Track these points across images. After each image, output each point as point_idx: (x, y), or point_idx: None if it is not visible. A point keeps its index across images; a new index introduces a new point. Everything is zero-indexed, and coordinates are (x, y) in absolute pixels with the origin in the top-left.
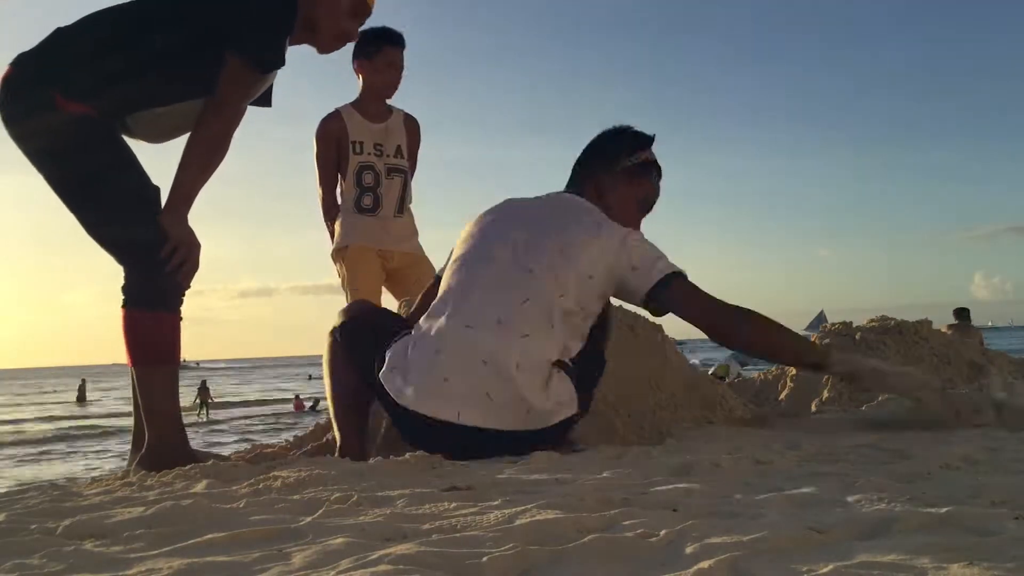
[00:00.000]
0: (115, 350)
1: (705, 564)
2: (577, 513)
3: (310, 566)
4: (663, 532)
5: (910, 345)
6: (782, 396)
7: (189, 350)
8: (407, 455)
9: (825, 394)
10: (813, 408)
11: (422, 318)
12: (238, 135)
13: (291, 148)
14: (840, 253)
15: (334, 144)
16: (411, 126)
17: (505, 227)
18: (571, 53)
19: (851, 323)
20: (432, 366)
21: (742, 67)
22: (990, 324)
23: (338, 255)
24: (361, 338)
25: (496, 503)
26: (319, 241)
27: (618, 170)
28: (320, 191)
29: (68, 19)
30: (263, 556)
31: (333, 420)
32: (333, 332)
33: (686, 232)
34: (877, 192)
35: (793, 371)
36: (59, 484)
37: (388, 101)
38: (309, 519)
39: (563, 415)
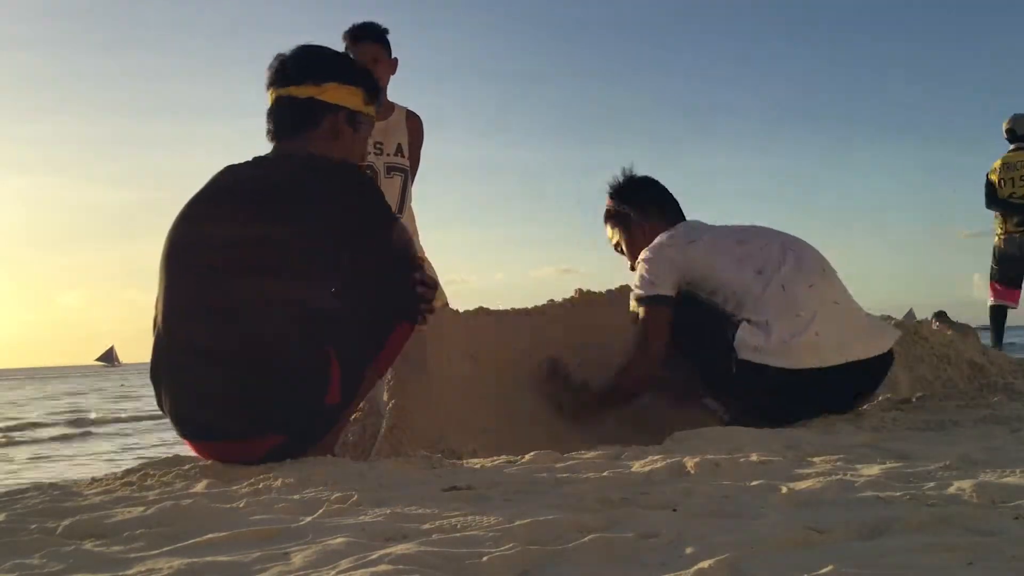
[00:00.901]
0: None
1: (705, 564)
2: (577, 513)
3: (310, 566)
4: (663, 532)
5: (910, 345)
6: None
7: None
8: (407, 455)
9: None
10: None
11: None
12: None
13: None
14: (838, 253)
15: None
16: (413, 123)
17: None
18: (572, 53)
19: None
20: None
21: (741, 66)
22: None
23: None
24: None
25: (496, 503)
26: None
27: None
28: None
29: None
30: (263, 556)
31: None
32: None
33: None
34: (876, 191)
35: None
36: (59, 484)
37: (390, 97)
38: (309, 519)
39: None
